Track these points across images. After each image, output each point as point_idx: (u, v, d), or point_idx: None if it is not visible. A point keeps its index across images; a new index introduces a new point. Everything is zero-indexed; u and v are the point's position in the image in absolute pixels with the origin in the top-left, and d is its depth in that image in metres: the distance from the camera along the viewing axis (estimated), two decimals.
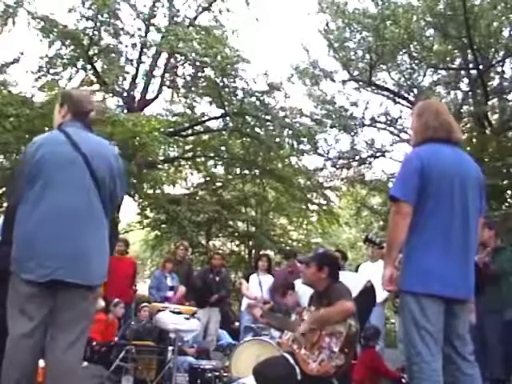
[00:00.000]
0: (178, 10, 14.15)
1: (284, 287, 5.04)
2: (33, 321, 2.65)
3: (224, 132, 14.98)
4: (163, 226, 16.27)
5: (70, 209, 2.73)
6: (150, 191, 14.40)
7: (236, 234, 17.39)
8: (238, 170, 16.72)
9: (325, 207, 16.33)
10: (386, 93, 16.20)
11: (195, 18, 14.39)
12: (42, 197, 2.72)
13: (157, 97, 14.50)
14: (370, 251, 7.28)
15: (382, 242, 4.52)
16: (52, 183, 2.73)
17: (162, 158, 13.59)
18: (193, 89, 14.89)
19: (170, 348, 5.72)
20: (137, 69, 13.96)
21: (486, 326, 5.03)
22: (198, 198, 16.13)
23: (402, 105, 16.21)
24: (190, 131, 15.46)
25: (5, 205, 9.36)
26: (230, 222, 16.65)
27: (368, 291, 4.36)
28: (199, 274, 8.77)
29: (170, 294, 7.54)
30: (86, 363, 6.21)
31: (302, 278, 4.24)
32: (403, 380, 5.30)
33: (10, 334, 2.67)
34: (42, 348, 2.72)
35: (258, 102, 13.42)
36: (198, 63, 13.05)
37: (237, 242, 18.10)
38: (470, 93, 15.19)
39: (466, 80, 15.37)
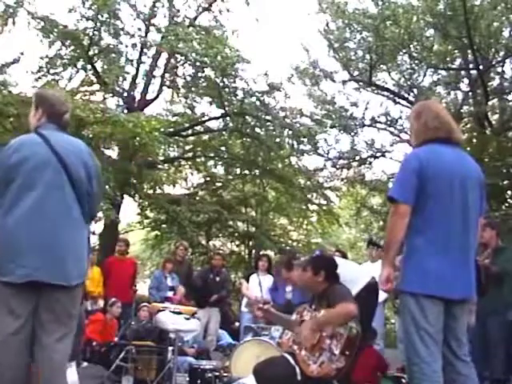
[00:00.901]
0: (178, 10, 14.17)
1: (290, 259, 4.96)
2: (19, 319, 2.68)
3: (224, 132, 14.99)
4: (163, 226, 16.28)
5: (46, 210, 2.74)
6: (150, 191, 14.41)
7: (236, 234, 17.40)
8: (238, 170, 16.73)
9: (325, 207, 16.35)
10: (386, 93, 16.20)
11: (195, 18, 14.40)
12: (19, 199, 2.74)
13: (157, 97, 14.52)
14: (370, 252, 7.29)
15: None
16: (28, 185, 2.75)
17: (162, 158, 13.61)
18: (193, 89, 14.90)
19: (170, 348, 5.71)
20: (137, 69, 13.98)
21: (489, 326, 5.02)
22: (198, 198, 16.15)
23: (402, 105, 16.22)
24: (190, 131, 15.47)
25: None
26: (230, 222, 16.66)
27: (372, 288, 4.34)
28: (199, 273, 8.78)
29: (170, 294, 7.54)
30: (85, 363, 6.24)
31: (299, 282, 4.23)
32: (403, 380, 5.30)
33: None
34: (29, 345, 2.73)
35: (258, 102, 13.44)
36: (198, 63, 13.06)
37: (237, 242, 18.11)
38: (470, 93, 15.20)
39: (466, 80, 15.38)
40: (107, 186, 11.37)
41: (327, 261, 3.99)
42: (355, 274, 4.39)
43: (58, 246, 2.73)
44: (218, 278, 8.01)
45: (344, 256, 7.57)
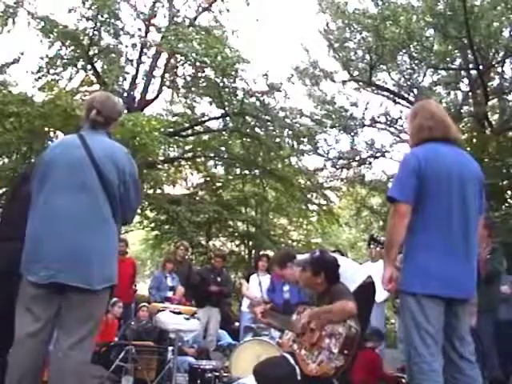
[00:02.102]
0: (178, 11, 14.16)
1: (284, 257, 4.94)
2: (39, 321, 2.67)
3: (224, 132, 14.98)
4: (163, 226, 16.27)
5: (73, 210, 2.74)
6: (150, 191, 14.40)
7: (236, 234, 17.38)
8: (238, 171, 16.72)
9: (325, 207, 16.33)
10: (386, 93, 16.20)
11: (195, 18, 14.39)
12: (49, 198, 2.76)
13: (157, 97, 14.50)
14: (370, 252, 7.30)
15: None
16: (59, 185, 2.77)
17: (162, 158, 13.58)
18: (193, 89, 14.89)
19: (170, 348, 5.72)
20: (137, 69, 13.97)
21: (480, 325, 5.06)
22: (197, 198, 16.13)
23: (402, 105, 16.22)
24: (190, 131, 15.46)
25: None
26: (230, 222, 16.64)
27: (367, 287, 4.34)
28: (199, 271, 8.80)
29: (170, 294, 7.54)
30: None
31: (299, 281, 4.21)
32: (403, 380, 5.30)
33: (16, 333, 2.68)
34: (47, 348, 2.73)
35: (258, 103, 13.44)
36: (198, 63, 13.04)
37: (237, 242, 18.09)
38: (470, 93, 15.20)
39: (466, 80, 15.39)
40: None
41: (327, 262, 3.93)
42: (352, 271, 4.40)
43: (83, 248, 2.71)
44: (219, 279, 8.02)
45: (342, 255, 7.59)
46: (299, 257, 4.73)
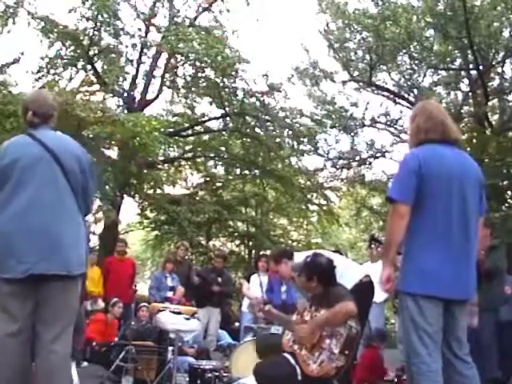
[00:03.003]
0: (178, 11, 14.16)
1: (280, 254, 4.99)
2: (17, 321, 2.69)
3: (224, 132, 14.99)
4: (163, 226, 16.27)
5: (42, 203, 2.77)
6: (150, 191, 14.40)
7: (236, 234, 17.40)
8: (238, 171, 16.72)
9: (325, 207, 16.34)
10: (386, 93, 16.21)
11: (195, 19, 14.39)
12: (12, 196, 2.78)
13: (157, 97, 14.50)
14: (370, 252, 7.29)
15: None
16: (22, 182, 2.79)
17: (162, 158, 13.60)
18: (193, 89, 14.89)
19: (170, 348, 5.71)
20: (137, 69, 13.97)
21: (480, 324, 5.06)
22: (198, 198, 16.14)
23: (402, 105, 16.23)
24: (190, 131, 15.47)
25: None
26: (230, 223, 16.67)
27: (363, 287, 4.35)
28: (200, 271, 8.80)
29: (170, 294, 7.54)
30: (86, 363, 6.24)
31: (297, 284, 4.25)
32: (403, 378, 5.32)
33: None
34: (31, 346, 2.73)
35: (258, 103, 13.44)
36: (198, 63, 13.05)
37: (237, 243, 18.11)
38: (470, 93, 15.21)
39: (466, 80, 15.40)
40: (107, 186, 11.37)
41: (319, 266, 3.90)
42: (350, 270, 4.42)
43: (54, 236, 2.75)
44: (220, 279, 8.03)
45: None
46: (297, 255, 4.75)
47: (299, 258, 4.46)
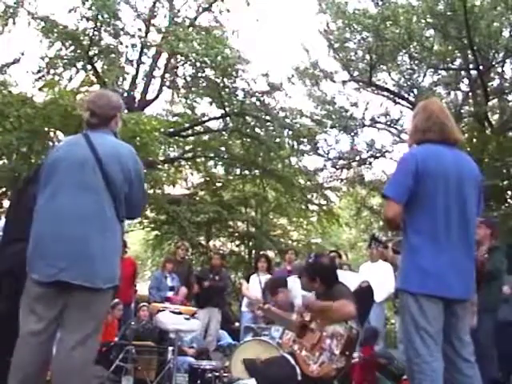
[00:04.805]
0: (179, 11, 14.17)
1: (275, 284, 5.00)
2: (42, 321, 2.67)
3: (224, 132, 14.98)
4: (163, 226, 16.26)
5: (77, 209, 2.74)
6: (150, 191, 14.38)
7: (236, 234, 17.37)
8: (238, 171, 16.71)
9: (325, 207, 16.33)
10: (386, 93, 16.19)
11: (195, 19, 14.39)
12: (53, 197, 2.77)
13: (157, 97, 14.50)
14: (371, 252, 7.30)
15: (387, 241, 4.56)
16: (63, 184, 2.78)
17: (162, 158, 13.57)
18: (193, 89, 14.89)
19: (170, 348, 5.72)
20: (137, 69, 13.97)
21: (479, 325, 5.06)
22: (198, 198, 16.12)
23: (402, 105, 16.21)
24: (190, 131, 15.46)
25: (5, 205, 9.35)
26: (230, 223, 16.63)
27: (362, 292, 4.36)
28: (198, 273, 8.81)
29: (170, 294, 7.54)
30: None
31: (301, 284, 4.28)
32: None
33: (20, 332, 2.69)
34: (51, 348, 2.73)
35: (258, 103, 13.43)
36: (198, 63, 13.05)
37: (237, 243, 18.08)
38: (470, 93, 15.20)
39: (466, 80, 15.38)
40: None
41: (321, 267, 3.96)
42: (347, 277, 4.44)
43: (86, 247, 2.70)
44: (217, 277, 8.05)
45: (339, 256, 7.64)
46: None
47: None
